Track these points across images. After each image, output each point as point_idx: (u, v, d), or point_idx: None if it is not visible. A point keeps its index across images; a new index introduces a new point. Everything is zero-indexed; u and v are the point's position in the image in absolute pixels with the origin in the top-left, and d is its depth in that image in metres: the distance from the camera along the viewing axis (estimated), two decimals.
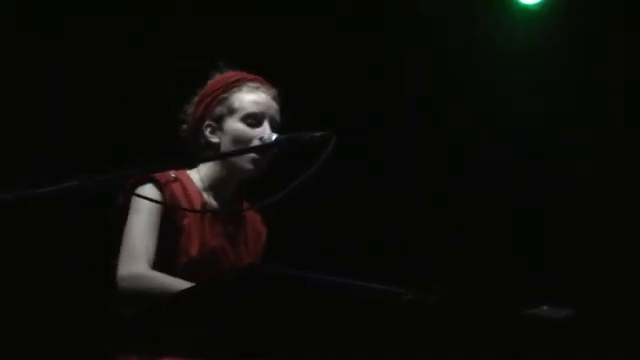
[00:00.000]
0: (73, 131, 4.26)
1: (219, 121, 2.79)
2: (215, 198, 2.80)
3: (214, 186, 2.80)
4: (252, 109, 2.77)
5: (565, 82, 4.50)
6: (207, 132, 2.80)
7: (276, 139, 2.70)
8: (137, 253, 2.60)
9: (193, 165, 2.83)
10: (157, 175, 2.69)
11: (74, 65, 4.29)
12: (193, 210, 2.70)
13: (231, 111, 2.77)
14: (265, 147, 2.72)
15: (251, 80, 2.83)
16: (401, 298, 2.15)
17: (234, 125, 2.77)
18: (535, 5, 4.42)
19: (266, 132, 2.75)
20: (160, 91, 4.13)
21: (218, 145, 2.77)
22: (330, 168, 2.47)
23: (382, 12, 4.46)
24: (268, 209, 2.81)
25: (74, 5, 4.31)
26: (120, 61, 4.33)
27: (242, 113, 2.76)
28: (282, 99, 2.85)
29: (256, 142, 2.74)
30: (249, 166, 2.75)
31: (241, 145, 2.74)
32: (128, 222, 2.65)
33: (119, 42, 4.36)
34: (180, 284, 2.50)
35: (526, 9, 4.43)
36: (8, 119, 4.22)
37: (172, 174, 2.72)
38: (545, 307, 2.32)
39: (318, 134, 2.50)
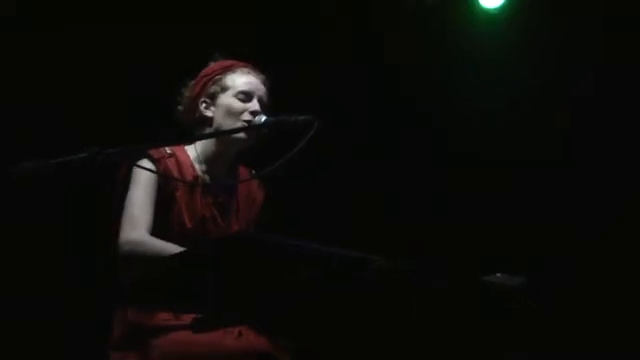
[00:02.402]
0: (72, 131, 4.42)
1: (213, 97, 3.17)
2: (209, 171, 3.16)
3: (209, 159, 3.15)
4: (244, 87, 3.16)
5: (523, 80, 4.91)
6: (202, 107, 3.17)
7: (265, 121, 3.08)
8: (137, 221, 2.94)
9: (190, 142, 3.17)
10: (152, 152, 3.03)
11: (74, 63, 4.52)
12: (183, 181, 3.05)
13: (224, 89, 3.16)
14: (255, 127, 3.09)
15: (243, 66, 3.23)
16: (371, 264, 2.50)
17: (227, 100, 3.15)
18: (496, 9, 4.81)
19: (255, 106, 3.12)
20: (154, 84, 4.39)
21: (212, 119, 3.15)
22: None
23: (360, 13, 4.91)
24: (259, 179, 3.27)
25: (74, 4, 4.54)
26: (119, 57, 4.58)
27: (235, 90, 3.15)
28: (270, 84, 3.25)
29: (246, 114, 3.12)
30: (241, 135, 3.10)
31: (233, 117, 3.12)
32: (128, 194, 2.98)
33: (118, 41, 4.59)
34: (175, 249, 2.83)
35: (487, 12, 4.83)
36: (8, 119, 4.42)
37: (167, 150, 3.07)
38: (499, 275, 2.69)
39: (302, 117, 2.91)
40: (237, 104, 3.14)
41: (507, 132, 4.92)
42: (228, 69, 3.20)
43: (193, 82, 3.25)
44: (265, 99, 3.18)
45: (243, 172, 3.28)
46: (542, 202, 4.98)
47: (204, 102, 3.18)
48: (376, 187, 5.04)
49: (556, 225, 4.95)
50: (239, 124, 3.12)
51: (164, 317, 2.88)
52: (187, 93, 3.25)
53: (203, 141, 3.17)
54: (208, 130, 3.16)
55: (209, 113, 3.16)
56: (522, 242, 4.89)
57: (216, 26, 4.72)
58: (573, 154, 4.91)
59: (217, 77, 3.18)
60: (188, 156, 3.15)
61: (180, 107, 3.26)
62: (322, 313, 2.58)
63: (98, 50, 4.58)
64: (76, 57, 4.55)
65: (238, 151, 3.19)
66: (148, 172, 2.97)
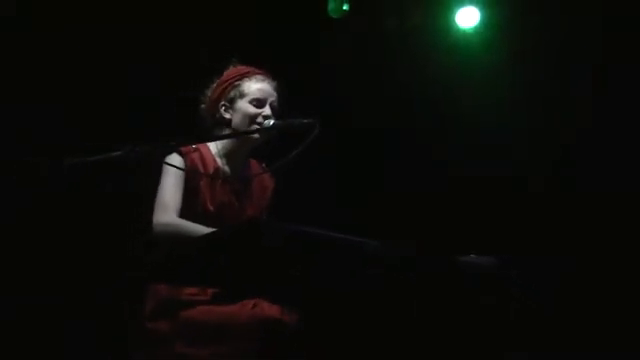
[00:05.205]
0: (72, 131, 4.50)
1: (231, 102, 3.66)
2: (228, 163, 3.66)
3: (228, 154, 3.66)
4: (258, 95, 3.64)
5: (495, 92, 5.30)
6: (222, 110, 3.67)
7: (274, 124, 3.57)
8: (168, 205, 3.43)
9: (211, 140, 3.67)
10: (181, 147, 3.52)
11: (74, 63, 4.58)
12: (206, 174, 3.54)
13: (242, 95, 3.65)
14: (266, 130, 3.58)
15: (259, 73, 3.70)
16: (364, 247, 2.78)
17: (243, 105, 3.63)
18: (471, 29, 5.35)
19: (267, 111, 3.60)
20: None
21: (230, 120, 3.65)
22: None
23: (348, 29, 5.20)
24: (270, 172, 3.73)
25: (74, 4, 4.59)
26: (119, 57, 4.66)
27: (250, 97, 3.64)
28: (281, 89, 3.70)
29: (259, 118, 3.61)
30: (255, 135, 3.61)
31: (247, 120, 3.61)
32: (160, 183, 3.47)
33: (118, 41, 4.66)
34: (201, 230, 3.32)
35: (464, 32, 5.36)
36: (8, 119, 4.46)
37: (193, 146, 3.57)
38: (473, 255, 3.01)
39: (306, 121, 3.34)
40: (252, 109, 3.62)
41: (489, 140, 5.28)
42: (245, 75, 3.67)
43: (214, 85, 3.72)
44: (276, 104, 3.66)
45: (255, 165, 3.76)
46: (542, 203, 5.05)
47: (223, 105, 3.67)
48: (371, 183, 5.29)
49: (556, 225, 5.01)
50: (253, 126, 3.60)
51: (190, 291, 3.31)
52: (209, 95, 3.72)
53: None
54: (226, 129, 3.65)
55: (228, 115, 3.66)
56: (522, 242, 4.95)
57: (216, 26, 4.78)
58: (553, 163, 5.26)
59: (236, 83, 3.66)
60: (210, 151, 3.64)
61: (203, 106, 3.73)
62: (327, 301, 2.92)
63: (98, 50, 4.67)
64: (76, 57, 4.63)
65: (252, 148, 3.67)
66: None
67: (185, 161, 3.52)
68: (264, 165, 3.76)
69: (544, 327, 4.79)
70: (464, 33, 5.33)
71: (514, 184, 5.18)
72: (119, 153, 2.87)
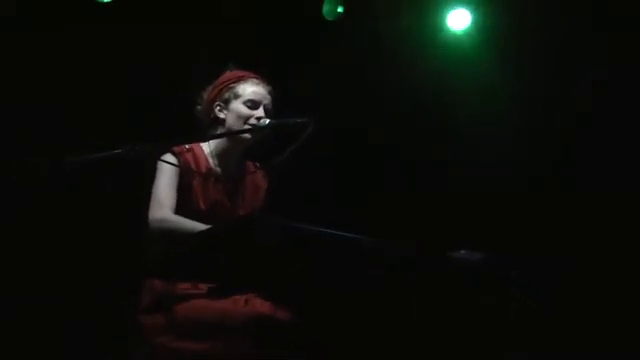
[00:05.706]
0: (72, 131, 4.53)
1: (226, 103, 3.75)
2: (220, 164, 3.74)
3: (220, 154, 3.74)
4: (252, 97, 3.73)
5: (485, 91, 5.37)
6: (216, 110, 3.76)
7: (269, 123, 3.67)
8: (163, 202, 3.51)
9: (205, 139, 3.75)
10: (174, 147, 3.63)
11: (74, 63, 4.61)
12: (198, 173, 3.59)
13: (236, 96, 3.74)
14: (260, 129, 3.68)
15: (254, 77, 3.80)
16: (361, 244, 2.88)
17: (237, 106, 3.73)
18: (462, 31, 5.44)
19: (260, 113, 3.69)
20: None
21: (224, 120, 3.74)
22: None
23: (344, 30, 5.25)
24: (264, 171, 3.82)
25: (74, 4, 4.62)
26: (119, 57, 4.68)
27: (244, 98, 3.73)
28: (276, 94, 3.78)
29: (252, 119, 3.70)
30: (247, 135, 3.70)
31: (241, 120, 3.70)
32: (155, 181, 3.55)
33: (118, 41, 4.68)
34: (195, 226, 3.40)
35: (455, 34, 5.44)
36: (8, 119, 4.49)
37: (186, 146, 3.67)
38: (463, 251, 3.11)
39: (300, 120, 3.47)
40: (245, 110, 3.70)
41: (489, 140, 5.33)
42: (241, 79, 3.76)
43: (211, 87, 3.80)
44: (270, 107, 3.74)
45: (249, 166, 3.83)
46: (542, 203, 5.07)
47: (218, 106, 3.75)
48: (371, 183, 5.35)
49: (556, 225, 5.03)
50: (246, 127, 3.68)
51: (184, 287, 3.38)
52: (205, 96, 3.80)
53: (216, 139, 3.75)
54: (220, 129, 3.73)
55: (222, 115, 3.74)
56: (522, 242, 4.96)
57: (216, 26, 4.80)
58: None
59: (231, 85, 3.75)
60: (203, 151, 3.72)
61: (199, 107, 3.81)
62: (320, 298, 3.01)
63: (98, 50, 4.68)
64: (76, 57, 4.65)
65: (245, 148, 3.75)
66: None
67: (179, 160, 3.61)
68: (257, 165, 3.84)
69: (544, 327, 4.79)
70: (455, 35, 5.38)
71: (514, 184, 5.19)
72: (119, 151, 2.95)
